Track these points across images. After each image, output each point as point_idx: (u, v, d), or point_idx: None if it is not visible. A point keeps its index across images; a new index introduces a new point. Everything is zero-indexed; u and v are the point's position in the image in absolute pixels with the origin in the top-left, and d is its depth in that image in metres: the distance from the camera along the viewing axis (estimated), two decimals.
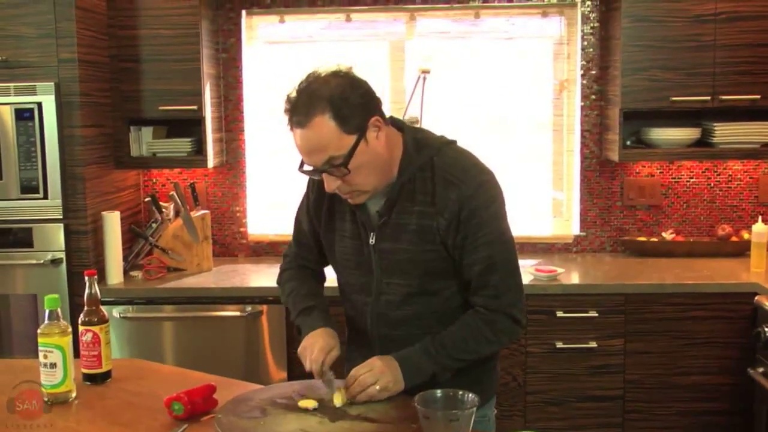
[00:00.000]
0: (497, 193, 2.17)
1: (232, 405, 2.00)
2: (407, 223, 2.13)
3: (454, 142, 2.22)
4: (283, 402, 2.01)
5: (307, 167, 2.11)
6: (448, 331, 2.15)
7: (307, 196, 2.40)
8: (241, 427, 1.86)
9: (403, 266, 2.17)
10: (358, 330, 2.34)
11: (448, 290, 2.20)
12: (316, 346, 2.16)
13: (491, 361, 2.34)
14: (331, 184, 2.08)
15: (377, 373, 2.05)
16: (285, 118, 2.05)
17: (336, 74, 2.04)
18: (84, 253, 3.79)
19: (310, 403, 1.98)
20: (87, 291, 2.37)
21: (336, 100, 1.98)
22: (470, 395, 1.77)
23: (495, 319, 2.15)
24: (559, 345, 3.78)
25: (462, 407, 1.75)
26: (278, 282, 2.53)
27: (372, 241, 2.18)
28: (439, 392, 1.79)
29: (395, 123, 2.20)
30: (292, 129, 2.04)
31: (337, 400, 1.98)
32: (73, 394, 2.28)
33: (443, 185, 2.10)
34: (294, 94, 2.03)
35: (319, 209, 2.32)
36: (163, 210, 4.15)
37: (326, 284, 2.52)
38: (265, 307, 3.80)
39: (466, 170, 2.13)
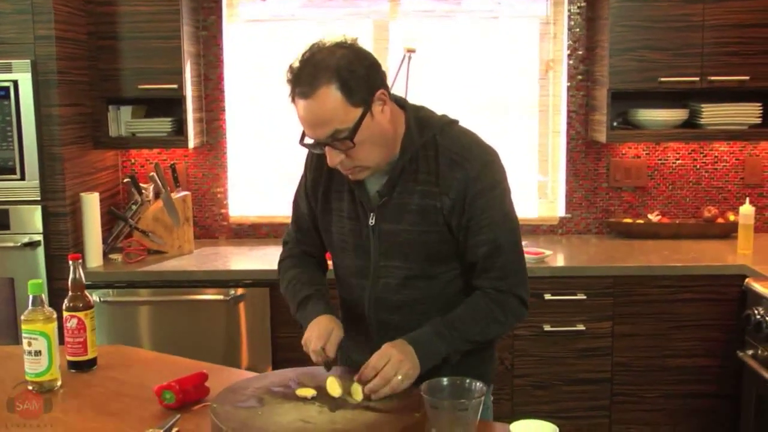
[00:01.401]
0: (502, 173, 2.12)
1: (227, 394, 1.92)
2: (409, 203, 2.07)
3: (456, 122, 2.17)
4: (279, 390, 1.94)
5: (308, 141, 2.03)
6: (456, 313, 2.09)
7: (304, 176, 2.32)
8: (237, 417, 1.79)
9: (402, 248, 2.10)
10: (354, 315, 2.26)
11: (448, 274, 2.14)
12: (314, 334, 2.09)
13: (489, 349, 2.28)
14: (334, 159, 2.00)
15: (396, 364, 1.95)
16: (287, 89, 1.98)
17: (341, 45, 1.97)
18: (63, 235, 3.69)
19: (309, 392, 1.92)
20: (71, 276, 2.29)
21: (342, 71, 1.90)
22: (477, 384, 1.71)
23: (504, 299, 2.10)
24: (547, 328, 3.74)
25: (469, 396, 1.69)
26: (278, 271, 2.44)
27: (371, 222, 2.12)
28: (445, 380, 1.73)
29: (397, 100, 2.13)
30: (294, 100, 1.97)
31: (357, 394, 1.90)
32: (59, 383, 2.21)
33: (448, 165, 2.05)
34: (297, 65, 1.96)
35: (317, 189, 2.25)
36: (143, 191, 4.05)
37: None
38: (248, 291, 3.73)
39: (471, 150, 2.08)
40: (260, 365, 3.70)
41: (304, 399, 1.89)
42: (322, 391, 1.93)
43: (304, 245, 2.40)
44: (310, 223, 2.33)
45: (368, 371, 1.94)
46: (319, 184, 2.23)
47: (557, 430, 1.66)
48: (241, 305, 3.74)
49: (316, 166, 2.23)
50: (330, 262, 2.39)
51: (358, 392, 1.90)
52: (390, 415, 1.80)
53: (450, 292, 2.16)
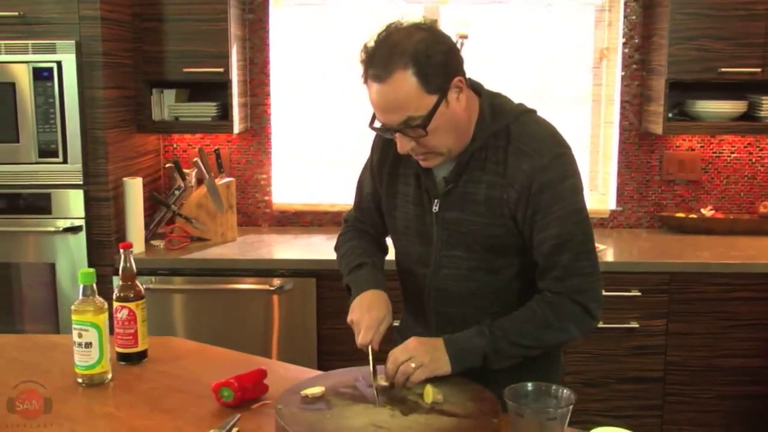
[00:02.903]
0: (574, 168, 1.98)
1: (292, 394, 1.83)
2: (475, 193, 1.97)
3: (533, 111, 2.05)
4: (347, 391, 1.85)
5: (378, 124, 1.94)
6: (510, 315, 1.99)
7: (371, 156, 2.23)
8: (305, 420, 1.70)
9: (466, 238, 2.01)
10: (414, 305, 2.19)
11: (512, 269, 2.03)
12: (363, 324, 2.00)
13: (555, 351, 2.18)
14: (404, 145, 1.91)
15: (410, 350, 1.90)
16: (360, 69, 1.89)
17: (419, 27, 1.86)
18: (105, 220, 3.62)
19: (317, 390, 1.86)
20: (122, 264, 2.22)
21: (420, 56, 1.80)
22: (564, 390, 1.60)
23: (560, 303, 1.96)
24: (600, 324, 3.59)
25: (556, 403, 1.59)
26: (335, 248, 2.36)
27: (435, 209, 2.03)
28: (530, 386, 1.63)
29: (472, 85, 2.03)
30: (366, 82, 1.88)
31: (428, 397, 1.81)
32: (109, 376, 2.14)
33: (516, 155, 1.94)
34: (372, 44, 1.86)
35: (382, 170, 2.16)
36: (186, 177, 3.97)
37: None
38: (293, 281, 3.63)
39: (543, 141, 1.96)
40: (304, 358, 3.60)
41: (374, 403, 1.80)
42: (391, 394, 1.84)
43: (364, 225, 2.33)
44: (373, 204, 2.25)
45: (387, 359, 1.92)
46: (385, 165, 2.15)
47: None
48: (286, 295, 3.64)
49: (382, 147, 2.15)
50: (391, 250, 2.31)
51: (429, 395, 1.80)
52: (466, 420, 1.70)
53: (514, 288, 2.05)
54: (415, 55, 1.80)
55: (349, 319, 2.07)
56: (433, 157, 1.96)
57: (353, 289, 2.14)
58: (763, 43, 3.77)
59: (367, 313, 2.02)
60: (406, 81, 1.81)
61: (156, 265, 3.68)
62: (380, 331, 2.00)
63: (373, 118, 1.95)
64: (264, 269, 3.66)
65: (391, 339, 2.02)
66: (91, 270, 2.13)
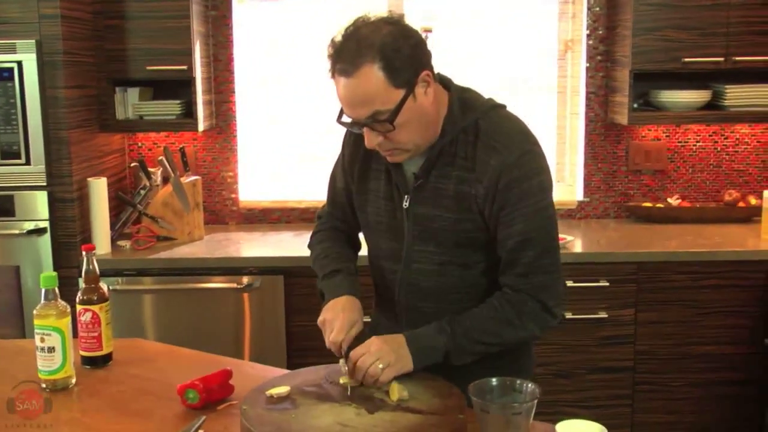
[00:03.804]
0: (542, 165, 1.98)
1: (257, 394, 1.82)
2: (445, 188, 1.97)
3: (503, 107, 2.05)
4: (313, 390, 1.84)
5: (346, 119, 1.93)
6: (470, 311, 1.99)
7: (342, 152, 2.22)
8: (271, 420, 1.68)
9: (437, 234, 2.00)
10: (385, 300, 2.19)
11: (483, 264, 2.03)
12: (336, 323, 1.99)
13: (526, 346, 2.18)
14: (372, 140, 1.91)
15: (375, 352, 1.89)
16: (328, 64, 1.88)
17: (387, 21, 1.86)
18: (70, 222, 3.58)
19: (282, 389, 1.84)
20: (85, 267, 2.19)
21: (387, 50, 1.80)
22: (529, 384, 1.61)
23: (521, 300, 1.96)
24: (569, 315, 3.63)
25: (521, 398, 1.59)
26: (308, 245, 2.35)
27: (406, 204, 2.02)
28: (494, 381, 1.63)
29: (441, 80, 2.03)
30: (334, 76, 1.87)
31: (393, 394, 1.80)
32: (73, 380, 2.12)
33: (485, 150, 1.93)
34: (340, 39, 1.85)
35: (353, 166, 2.15)
36: (152, 176, 3.93)
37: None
38: (262, 278, 3.61)
39: (512, 136, 1.96)
40: (275, 355, 3.59)
41: (340, 401, 1.78)
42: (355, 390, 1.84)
43: (338, 221, 2.32)
44: (346, 199, 2.24)
45: (350, 362, 1.89)
46: (356, 161, 2.14)
47: (605, 430, 1.54)
48: (255, 293, 3.62)
49: (353, 142, 2.14)
50: (364, 246, 2.30)
51: (394, 392, 1.79)
52: (432, 417, 1.69)
53: (484, 283, 2.05)
54: (383, 49, 1.80)
55: (320, 319, 2.05)
56: (399, 153, 1.95)
57: (327, 294, 2.13)
58: (725, 33, 3.79)
59: (341, 313, 2.02)
60: (373, 75, 1.80)
61: (122, 266, 3.64)
62: (351, 334, 1.99)
63: (341, 112, 1.93)
64: (232, 267, 3.64)
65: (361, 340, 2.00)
66: (53, 273, 2.10)
